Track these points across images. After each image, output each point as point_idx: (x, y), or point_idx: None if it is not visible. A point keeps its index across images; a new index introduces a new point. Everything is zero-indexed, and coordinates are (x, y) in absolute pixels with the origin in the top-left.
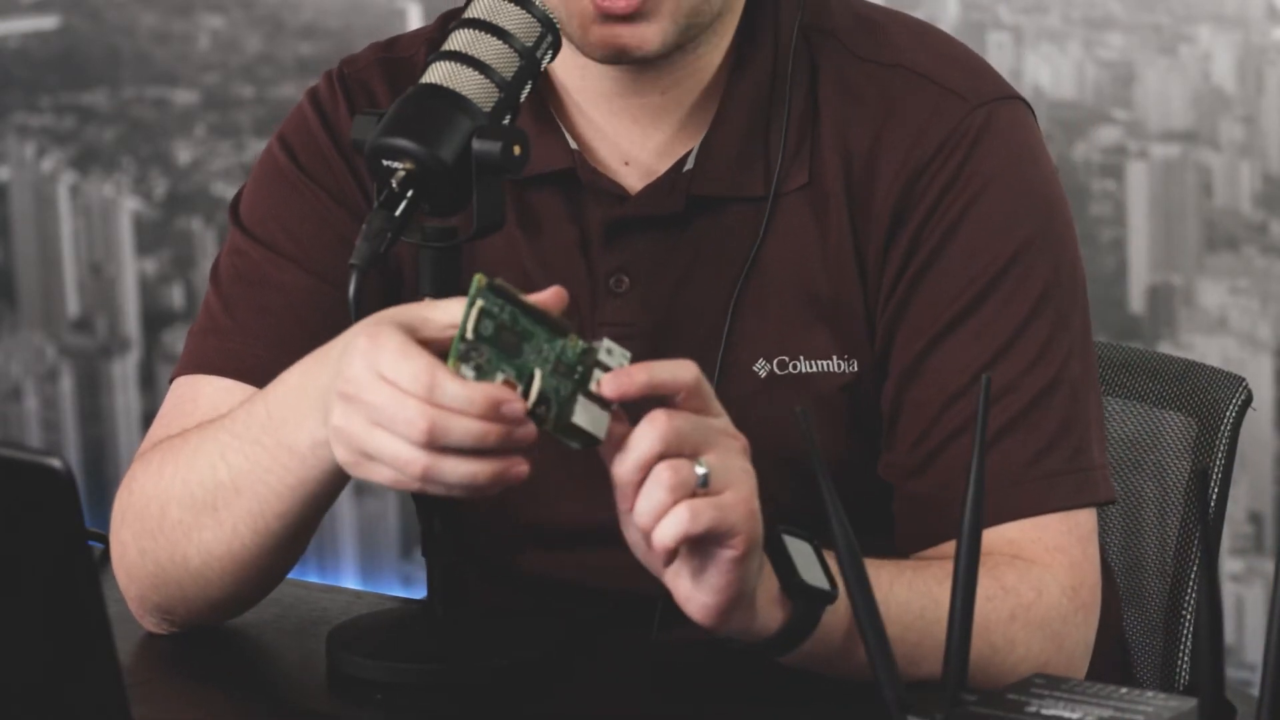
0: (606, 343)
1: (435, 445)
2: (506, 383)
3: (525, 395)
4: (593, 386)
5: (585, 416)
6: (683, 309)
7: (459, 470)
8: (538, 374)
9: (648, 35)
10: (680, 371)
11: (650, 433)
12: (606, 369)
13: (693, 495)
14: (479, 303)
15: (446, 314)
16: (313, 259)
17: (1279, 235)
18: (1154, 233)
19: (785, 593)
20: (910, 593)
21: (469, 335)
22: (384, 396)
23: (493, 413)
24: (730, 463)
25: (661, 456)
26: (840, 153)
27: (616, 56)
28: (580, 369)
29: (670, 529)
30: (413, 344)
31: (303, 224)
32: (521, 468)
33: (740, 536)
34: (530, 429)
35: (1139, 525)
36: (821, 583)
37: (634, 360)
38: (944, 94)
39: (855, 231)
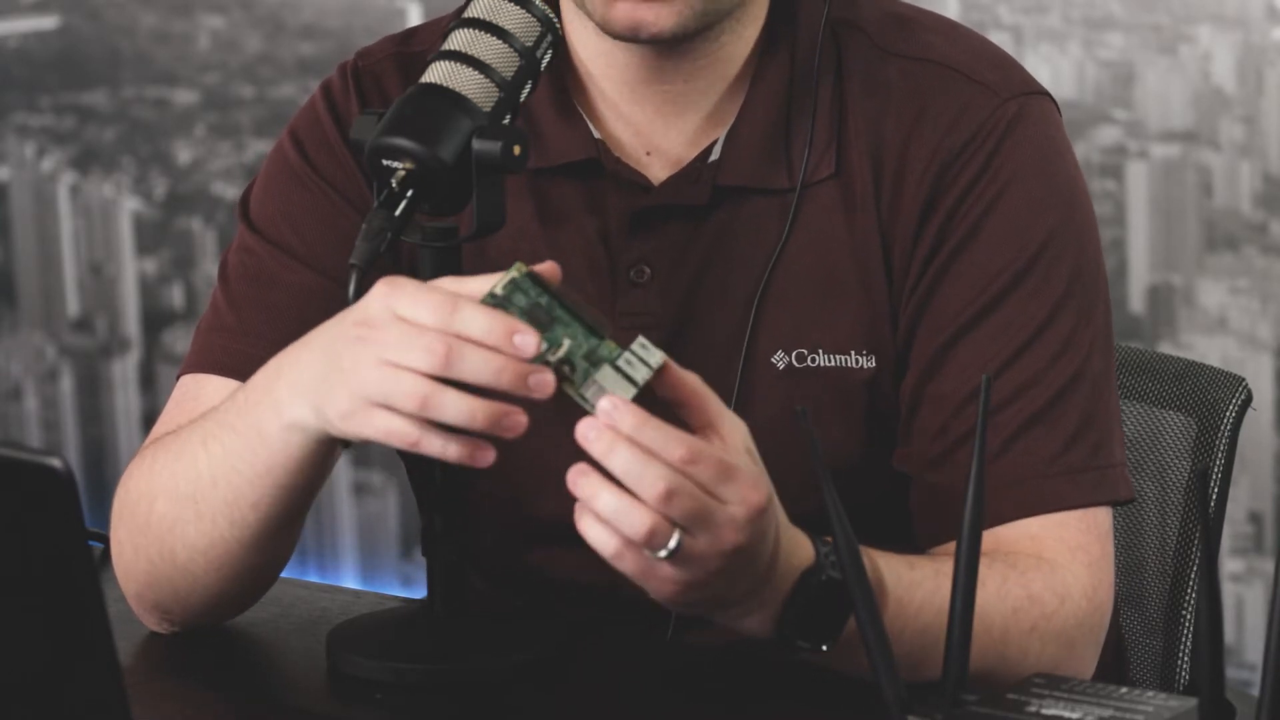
0: (642, 339)
1: (449, 373)
2: None
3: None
4: (622, 364)
5: (612, 380)
6: (703, 300)
7: (458, 405)
8: (566, 342)
9: (664, 15)
10: (724, 422)
11: (666, 475)
12: (642, 360)
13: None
14: (513, 274)
15: (465, 287)
16: (321, 258)
17: (1279, 235)
18: (1154, 233)
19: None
20: (937, 598)
21: (498, 292)
22: (398, 332)
23: (507, 340)
24: (706, 554)
25: (667, 496)
26: (869, 145)
27: (635, 32)
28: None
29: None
30: (430, 285)
31: (312, 222)
32: (520, 418)
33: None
34: (547, 377)
35: (1139, 525)
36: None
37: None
38: (975, 87)
39: (882, 224)
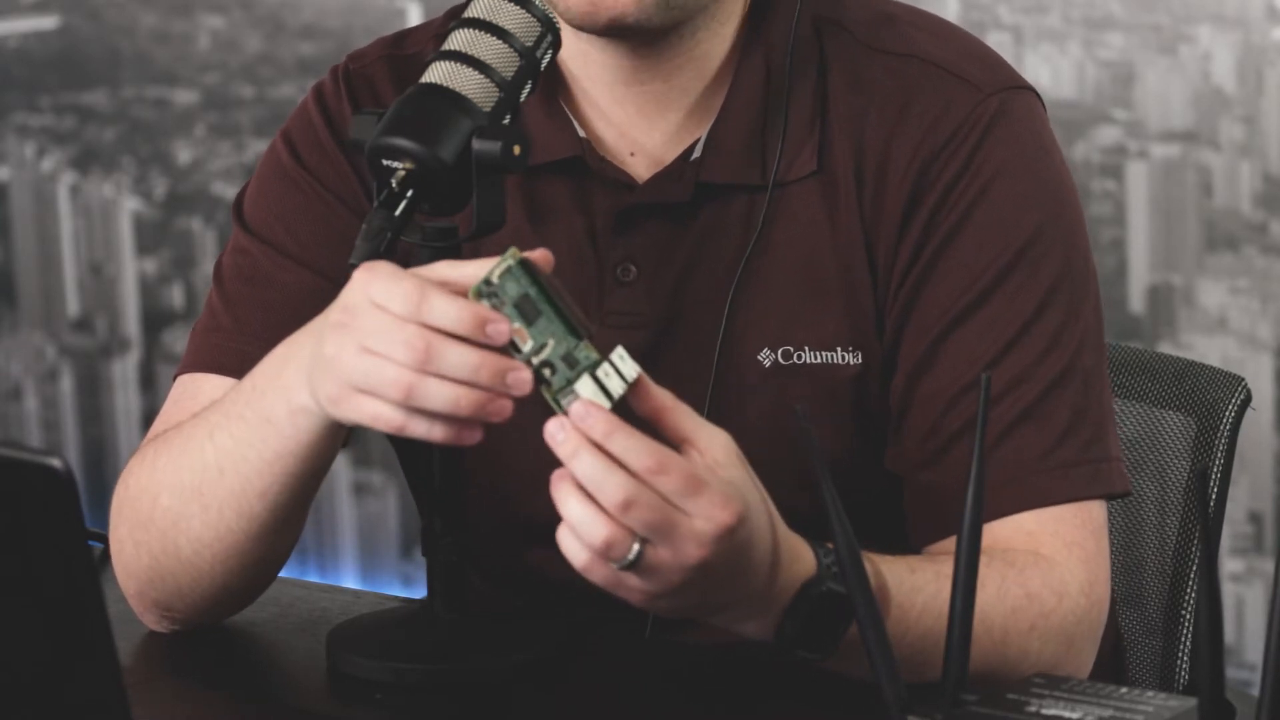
0: (620, 350)
1: (427, 368)
2: (516, 331)
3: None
4: (600, 375)
5: (589, 392)
6: (690, 297)
7: (442, 393)
8: (550, 343)
9: (626, 3)
10: (701, 436)
11: (630, 487)
12: (618, 372)
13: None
14: (508, 262)
15: (459, 272)
16: (315, 258)
17: (1279, 235)
18: (1154, 233)
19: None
20: (938, 602)
21: (494, 279)
22: (377, 321)
23: (479, 331)
24: (668, 568)
25: (626, 505)
26: (852, 141)
27: (593, 21)
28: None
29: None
30: (405, 271)
31: (305, 222)
32: (505, 404)
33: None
34: (524, 375)
35: (1139, 525)
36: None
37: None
38: (958, 83)
39: (865, 221)
